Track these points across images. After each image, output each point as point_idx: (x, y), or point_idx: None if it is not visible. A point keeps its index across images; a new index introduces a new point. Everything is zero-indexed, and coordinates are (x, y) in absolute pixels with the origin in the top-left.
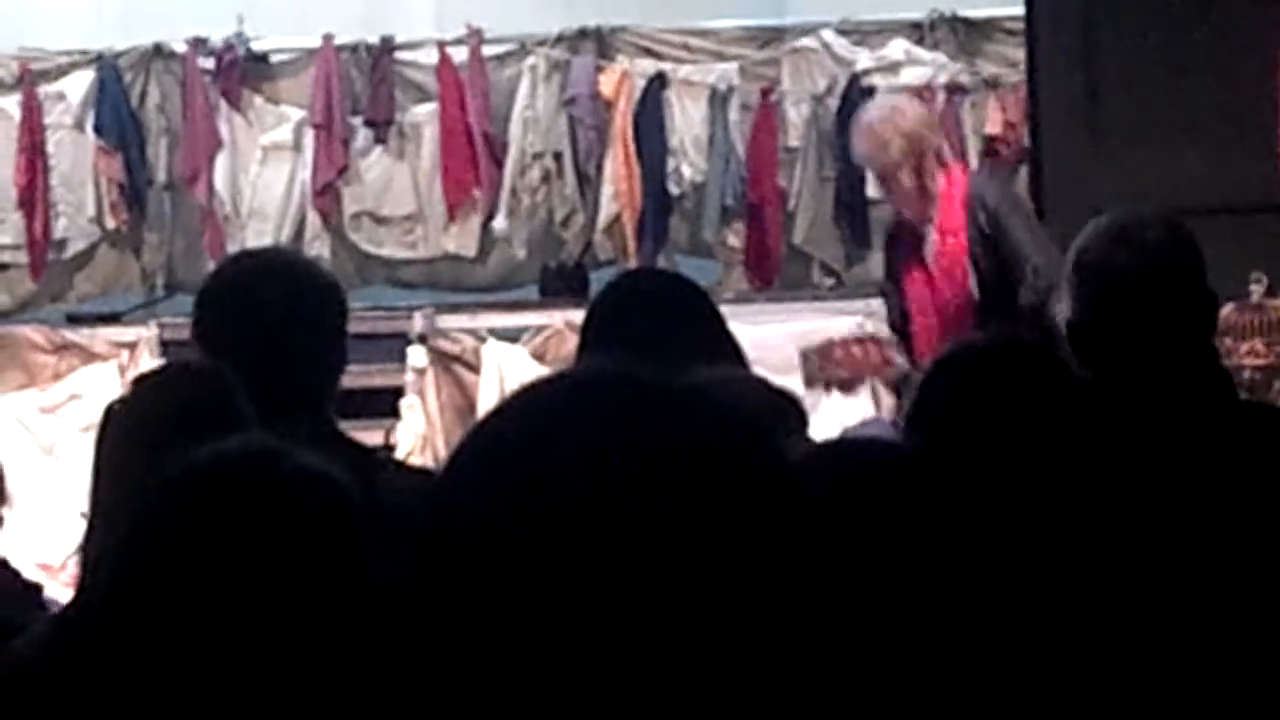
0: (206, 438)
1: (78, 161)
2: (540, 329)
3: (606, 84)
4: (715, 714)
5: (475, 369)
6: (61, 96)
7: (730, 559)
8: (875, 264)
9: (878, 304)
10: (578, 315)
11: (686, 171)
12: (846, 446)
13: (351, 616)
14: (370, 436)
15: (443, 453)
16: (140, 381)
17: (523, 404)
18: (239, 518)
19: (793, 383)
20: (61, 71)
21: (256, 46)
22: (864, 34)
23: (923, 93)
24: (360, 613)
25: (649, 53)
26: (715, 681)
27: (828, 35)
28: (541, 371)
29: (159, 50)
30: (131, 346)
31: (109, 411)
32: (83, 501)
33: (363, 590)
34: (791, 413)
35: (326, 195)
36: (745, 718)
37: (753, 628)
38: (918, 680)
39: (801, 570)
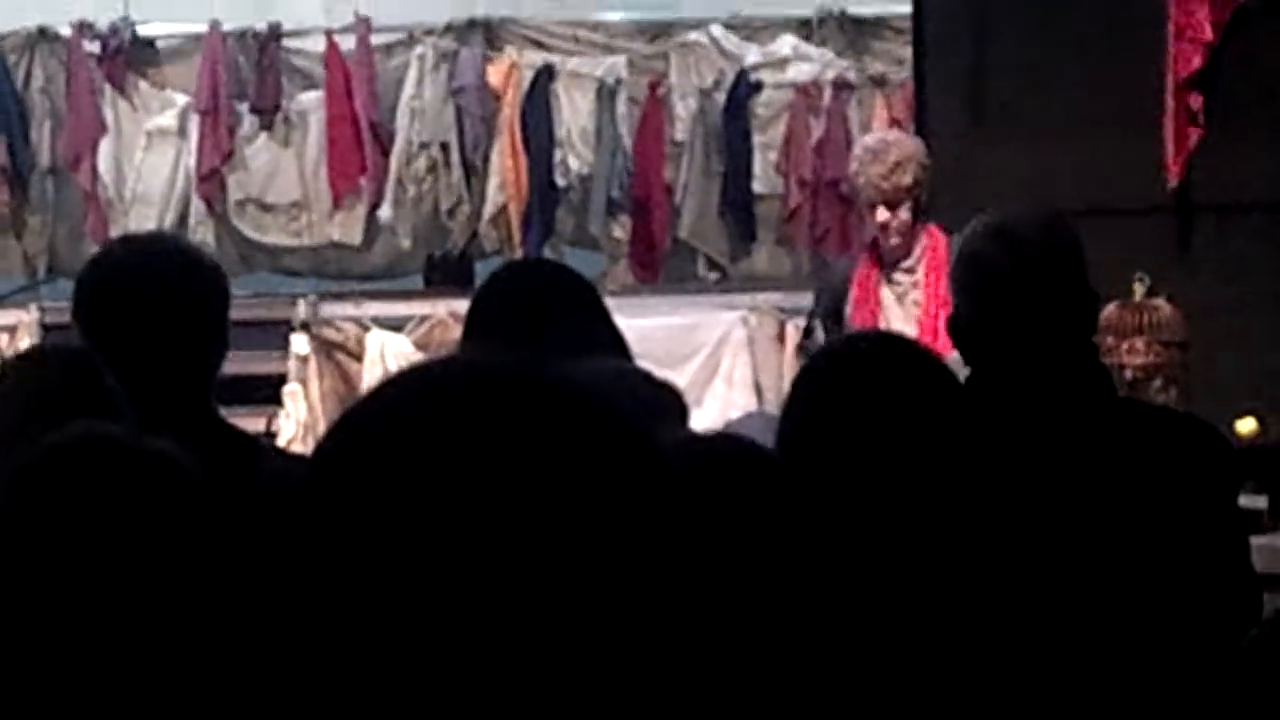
0: (72, 420)
1: None
2: (424, 318)
3: (494, 75)
4: (577, 699)
5: (358, 357)
6: None
7: (593, 548)
8: (760, 258)
9: (763, 298)
10: (462, 305)
11: (573, 163)
12: (698, 444)
13: (196, 603)
14: (252, 424)
15: None
16: (8, 363)
17: (395, 391)
18: (76, 507)
19: (676, 375)
20: None
21: (142, 31)
22: (752, 29)
23: (809, 89)
24: (207, 598)
25: (537, 44)
26: (573, 666)
27: (716, 30)
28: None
29: (44, 33)
30: (12, 330)
31: None
32: None
33: (208, 573)
34: (673, 405)
35: (211, 181)
36: (605, 704)
37: (612, 616)
38: (769, 675)
39: (663, 559)
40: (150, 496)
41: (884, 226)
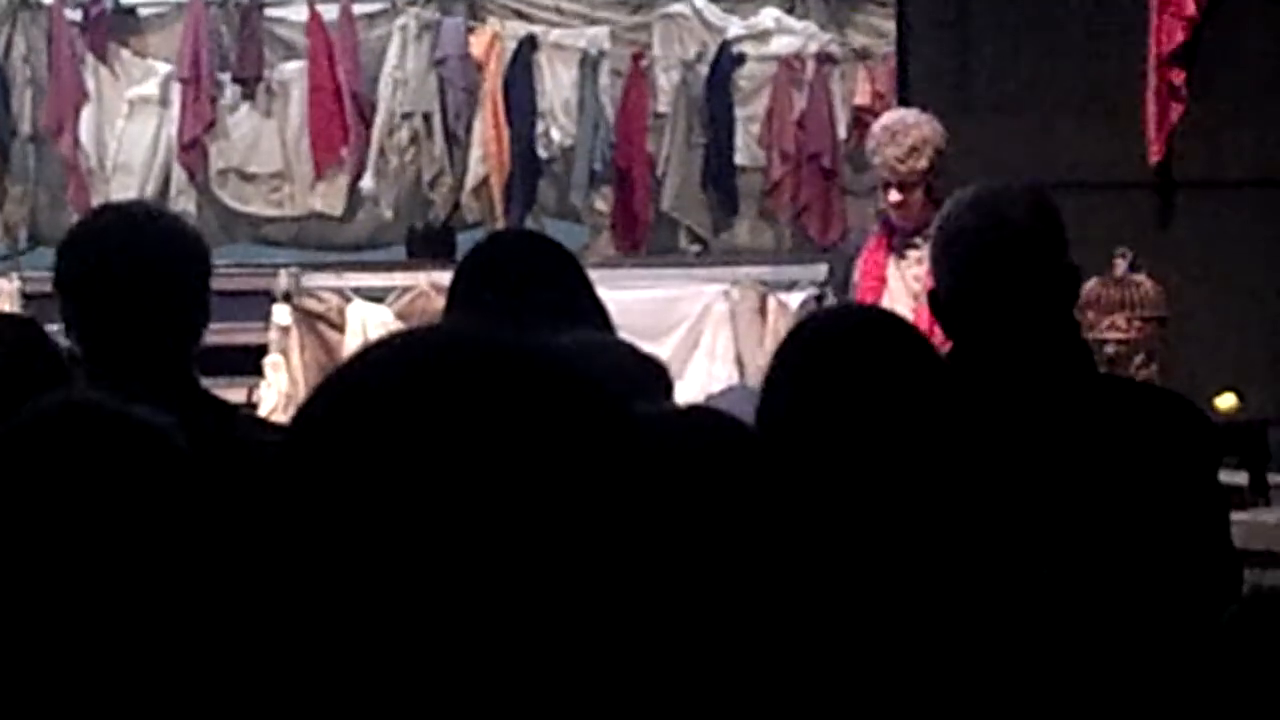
0: (19, 387)
1: None
2: (406, 289)
3: (477, 45)
4: (549, 669)
5: (340, 328)
6: None
7: (565, 517)
8: (742, 231)
9: (744, 271)
10: (444, 276)
11: (556, 135)
12: (678, 417)
13: (180, 574)
14: (233, 394)
15: None
16: None
17: (374, 359)
18: (59, 473)
19: (657, 348)
20: None
21: None
22: (735, 1)
23: (792, 62)
24: (190, 570)
25: (520, 15)
26: (546, 634)
27: (699, 2)
28: None
29: (25, 1)
30: None
31: None
32: None
33: (192, 543)
34: (657, 378)
35: (193, 151)
36: (574, 682)
37: (586, 587)
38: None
39: (637, 532)
40: (135, 465)
41: (897, 206)
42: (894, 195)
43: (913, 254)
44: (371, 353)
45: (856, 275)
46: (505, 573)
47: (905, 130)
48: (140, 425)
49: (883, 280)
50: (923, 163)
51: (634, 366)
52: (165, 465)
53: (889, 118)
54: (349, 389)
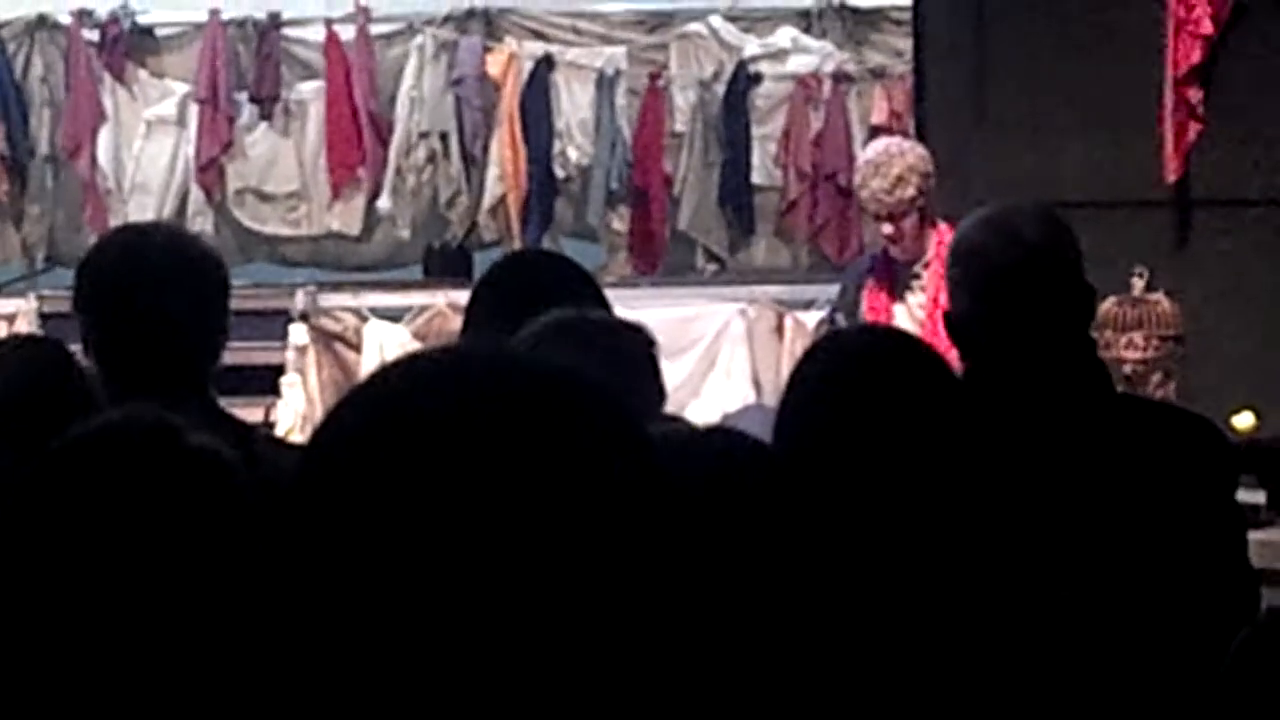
0: (46, 413)
1: None
2: (423, 309)
3: (494, 65)
4: (563, 687)
5: (357, 348)
6: None
7: (582, 539)
8: (758, 250)
9: (761, 290)
10: (461, 296)
11: (572, 154)
12: (695, 437)
13: (237, 599)
14: (251, 414)
15: None
16: None
17: (390, 379)
18: (131, 495)
19: (674, 368)
20: None
21: (142, 20)
22: (752, 21)
23: (809, 81)
24: (245, 596)
25: (537, 34)
26: (561, 649)
27: (716, 21)
28: None
29: (43, 21)
30: (10, 319)
31: None
32: None
33: (249, 569)
34: (642, 348)
35: (210, 171)
36: (589, 697)
37: (603, 602)
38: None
39: (653, 550)
40: (203, 493)
41: (892, 239)
42: (886, 228)
43: (916, 283)
44: (388, 373)
45: (863, 308)
46: (523, 593)
47: (889, 161)
48: (198, 452)
49: (890, 318)
50: (910, 191)
51: (628, 345)
52: (226, 492)
53: (871, 151)
54: (366, 409)
